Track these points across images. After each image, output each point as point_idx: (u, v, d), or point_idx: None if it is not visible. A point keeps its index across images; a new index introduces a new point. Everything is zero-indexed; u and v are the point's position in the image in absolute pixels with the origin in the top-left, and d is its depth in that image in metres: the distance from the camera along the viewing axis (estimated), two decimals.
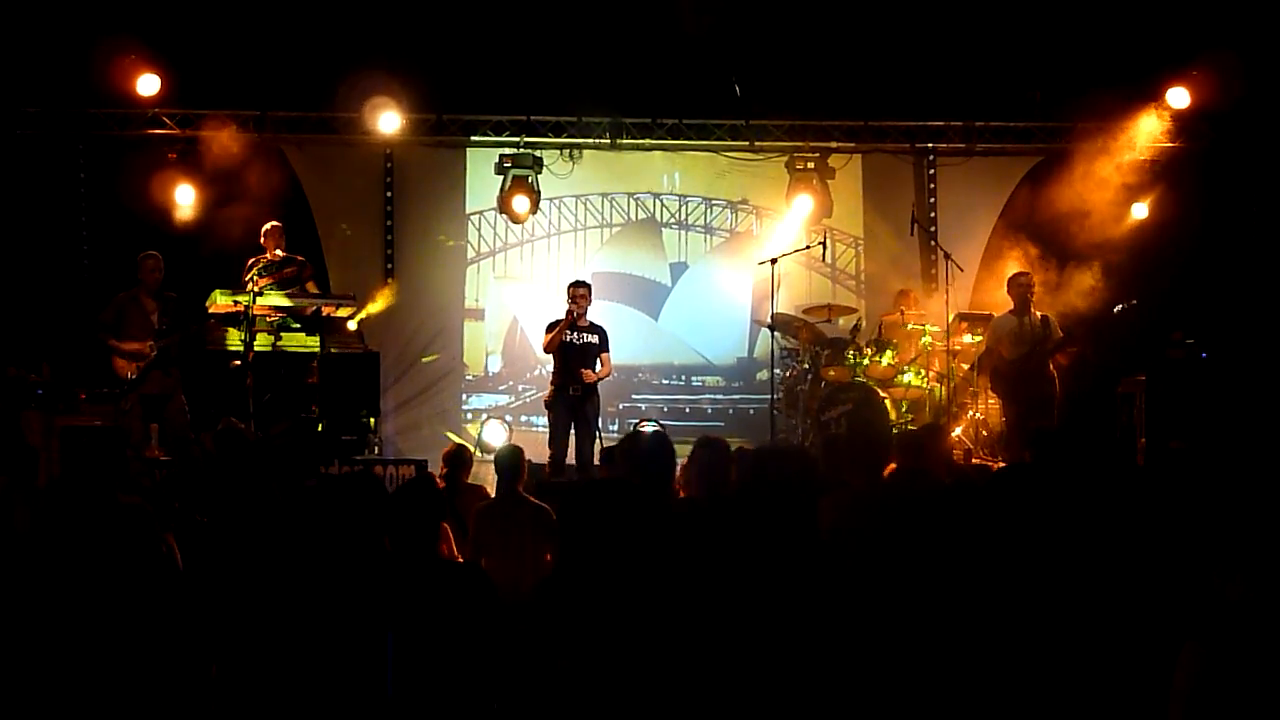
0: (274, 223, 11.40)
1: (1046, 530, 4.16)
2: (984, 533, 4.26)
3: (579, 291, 10.72)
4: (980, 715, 3.89)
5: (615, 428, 13.07)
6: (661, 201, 13.93)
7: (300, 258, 11.40)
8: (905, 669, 3.92)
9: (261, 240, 11.27)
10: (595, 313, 11.04)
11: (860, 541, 4.88)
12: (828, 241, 12.41)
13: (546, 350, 10.84)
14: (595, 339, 10.75)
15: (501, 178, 13.25)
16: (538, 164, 13.24)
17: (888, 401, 11.29)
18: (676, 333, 13.87)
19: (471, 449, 9.44)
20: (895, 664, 3.92)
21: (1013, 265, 11.54)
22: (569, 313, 10.61)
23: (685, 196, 13.92)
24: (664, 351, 13.82)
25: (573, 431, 10.58)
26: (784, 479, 4.30)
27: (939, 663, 3.95)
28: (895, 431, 9.78)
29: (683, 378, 13.86)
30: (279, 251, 11.21)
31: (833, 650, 3.86)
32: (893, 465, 5.91)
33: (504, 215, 13.40)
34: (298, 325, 10.98)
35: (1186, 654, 3.35)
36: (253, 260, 11.18)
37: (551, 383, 10.84)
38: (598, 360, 10.71)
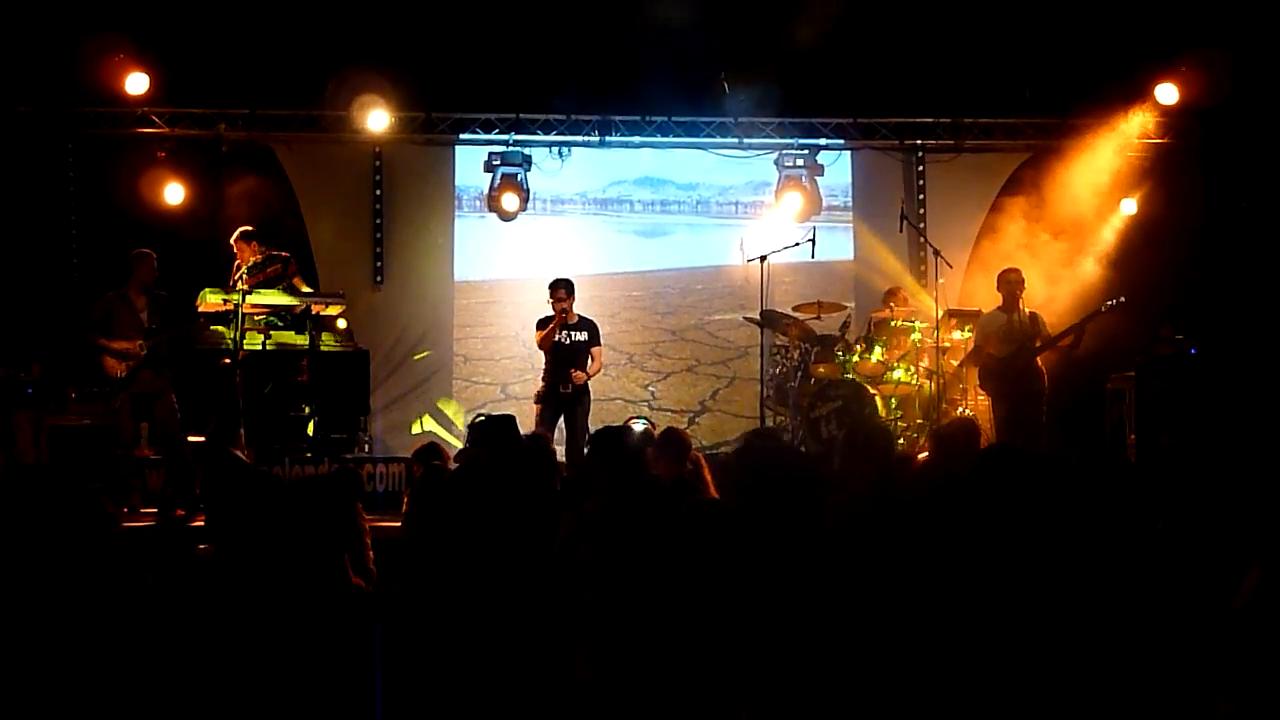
0: (241, 229, 11.12)
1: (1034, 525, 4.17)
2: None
3: (559, 293, 10.67)
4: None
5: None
6: (652, 198, 13.94)
7: (284, 254, 11.28)
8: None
9: (234, 250, 11.00)
10: (586, 311, 11.04)
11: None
12: (816, 238, 12.40)
13: (540, 347, 10.82)
14: (585, 336, 10.72)
15: (490, 175, 13.25)
16: (527, 162, 13.24)
17: (877, 398, 11.30)
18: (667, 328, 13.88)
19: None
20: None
21: (1002, 262, 11.54)
22: (558, 313, 10.59)
23: (675, 194, 13.92)
24: (653, 348, 13.82)
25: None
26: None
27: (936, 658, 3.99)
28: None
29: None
30: (256, 256, 11.00)
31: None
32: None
33: (493, 213, 13.39)
34: (287, 323, 10.95)
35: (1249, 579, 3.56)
36: (236, 264, 11.09)
37: (543, 379, 10.83)
38: (589, 357, 10.70)
